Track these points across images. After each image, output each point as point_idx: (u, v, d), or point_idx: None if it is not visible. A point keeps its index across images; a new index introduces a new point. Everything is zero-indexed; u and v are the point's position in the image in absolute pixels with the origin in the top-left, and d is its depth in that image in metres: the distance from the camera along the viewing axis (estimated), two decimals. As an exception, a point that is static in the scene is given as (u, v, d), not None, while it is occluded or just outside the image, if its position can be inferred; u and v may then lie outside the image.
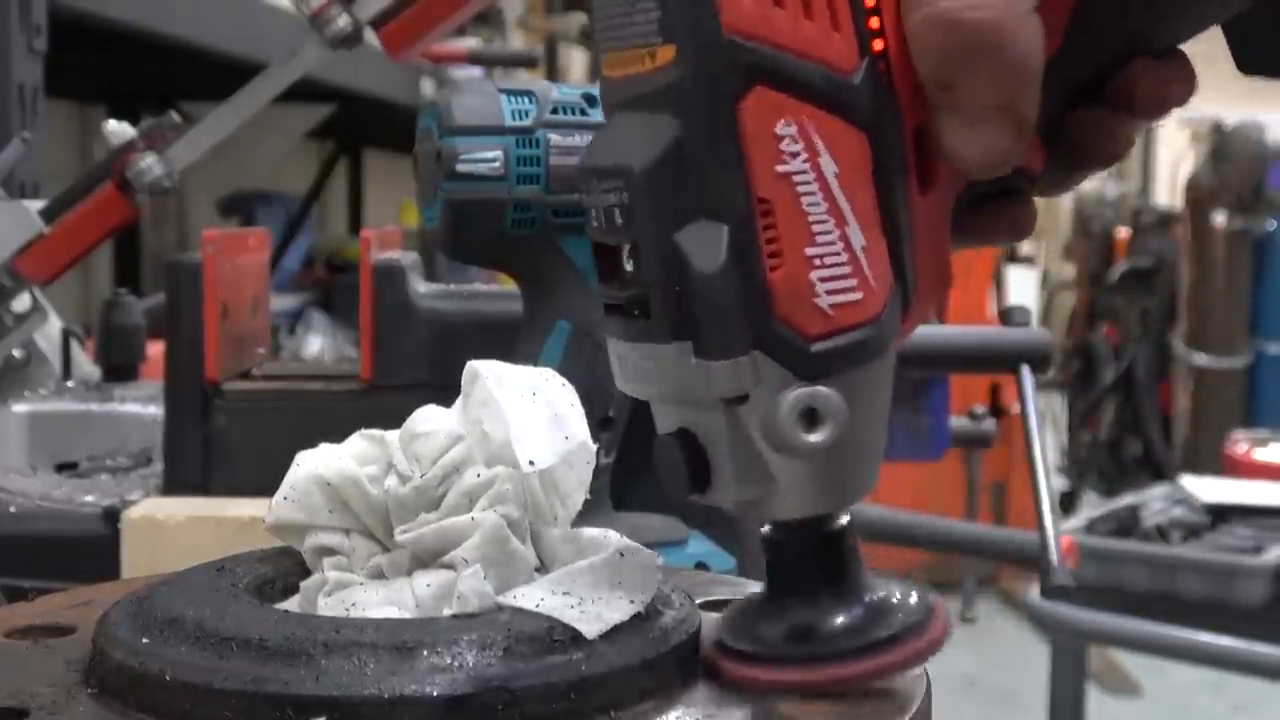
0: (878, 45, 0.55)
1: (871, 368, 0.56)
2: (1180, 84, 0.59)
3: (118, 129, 1.63)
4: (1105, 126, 0.59)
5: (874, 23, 0.54)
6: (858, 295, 0.55)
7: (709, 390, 0.55)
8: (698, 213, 0.53)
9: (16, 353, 1.67)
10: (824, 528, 0.58)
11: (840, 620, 0.58)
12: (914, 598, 0.59)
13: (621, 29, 0.55)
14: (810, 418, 0.55)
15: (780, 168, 0.53)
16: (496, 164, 0.98)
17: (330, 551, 0.66)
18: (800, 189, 0.53)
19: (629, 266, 0.55)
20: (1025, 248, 8.81)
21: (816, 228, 0.54)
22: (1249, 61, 0.59)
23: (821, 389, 0.54)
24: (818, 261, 0.54)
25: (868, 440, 0.57)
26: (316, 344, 3.41)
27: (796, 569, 0.59)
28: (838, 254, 0.54)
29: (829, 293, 0.54)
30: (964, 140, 0.56)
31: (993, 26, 0.54)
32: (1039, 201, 0.62)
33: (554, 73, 5.96)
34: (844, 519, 0.59)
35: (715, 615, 0.69)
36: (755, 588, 0.75)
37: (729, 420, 0.55)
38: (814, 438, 0.55)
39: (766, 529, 0.59)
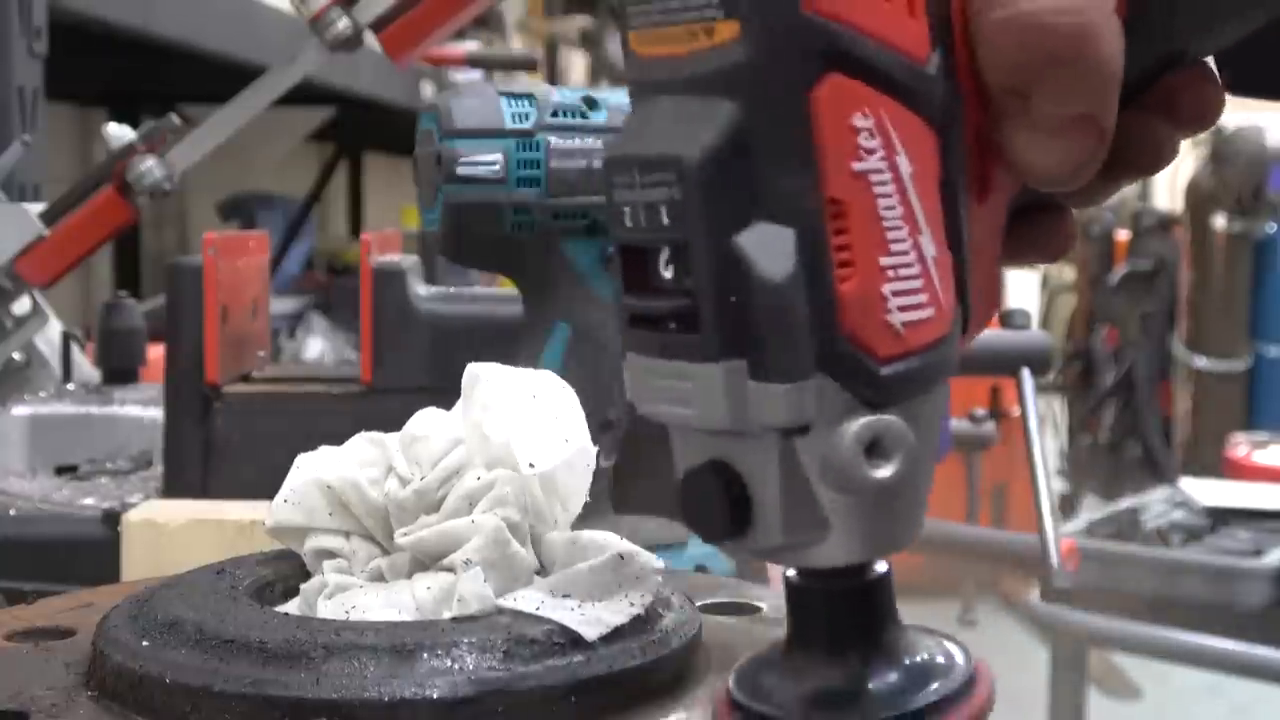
0: (947, 34, 0.49)
1: (934, 394, 0.50)
2: (1219, 95, 0.56)
3: (118, 132, 1.64)
4: (1147, 133, 0.55)
5: (944, 9, 0.49)
6: (929, 312, 0.48)
7: (765, 418, 0.47)
8: (760, 213, 0.47)
9: (16, 355, 1.67)
10: (864, 576, 0.51)
11: (875, 685, 0.51)
12: (958, 658, 0.52)
13: (668, 1, 0.48)
14: (874, 450, 0.48)
15: (856, 165, 0.47)
16: (496, 167, 0.98)
17: (330, 554, 0.67)
18: (877, 190, 0.47)
19: (667, 273, 0.48)
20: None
21: (891, 234, 0.47)
22: (1243, 82, 0.57)
23: (888, 417, 0.48)
24: (891, 273, 0.47)
25: (926, 476, 0.50)
26: (316, 347, 3.41)
27: (828, 622, 0.52)
28: (911, 265, 0.48)
29: (901, 309, 0.48)
30: (1039, 151, 0.50)
31: (1081, 32, 0.48)
32: None
33: (554, 76, 5.96)
34: (883, 566, 0.52)
35: (716, 617, 0.69)
36: (756, 591, 0.75)
37: (783, 454, 0.48)
38: (880, 473, 0.48)
39: (792, 574, 0.52)
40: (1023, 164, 0.51)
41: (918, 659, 0.52)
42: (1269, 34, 0.54)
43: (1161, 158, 0.55)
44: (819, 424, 0.48)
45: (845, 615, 0.52)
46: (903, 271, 0.48)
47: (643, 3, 0.49)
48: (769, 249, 0.47)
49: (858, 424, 0.47)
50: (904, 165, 0.48)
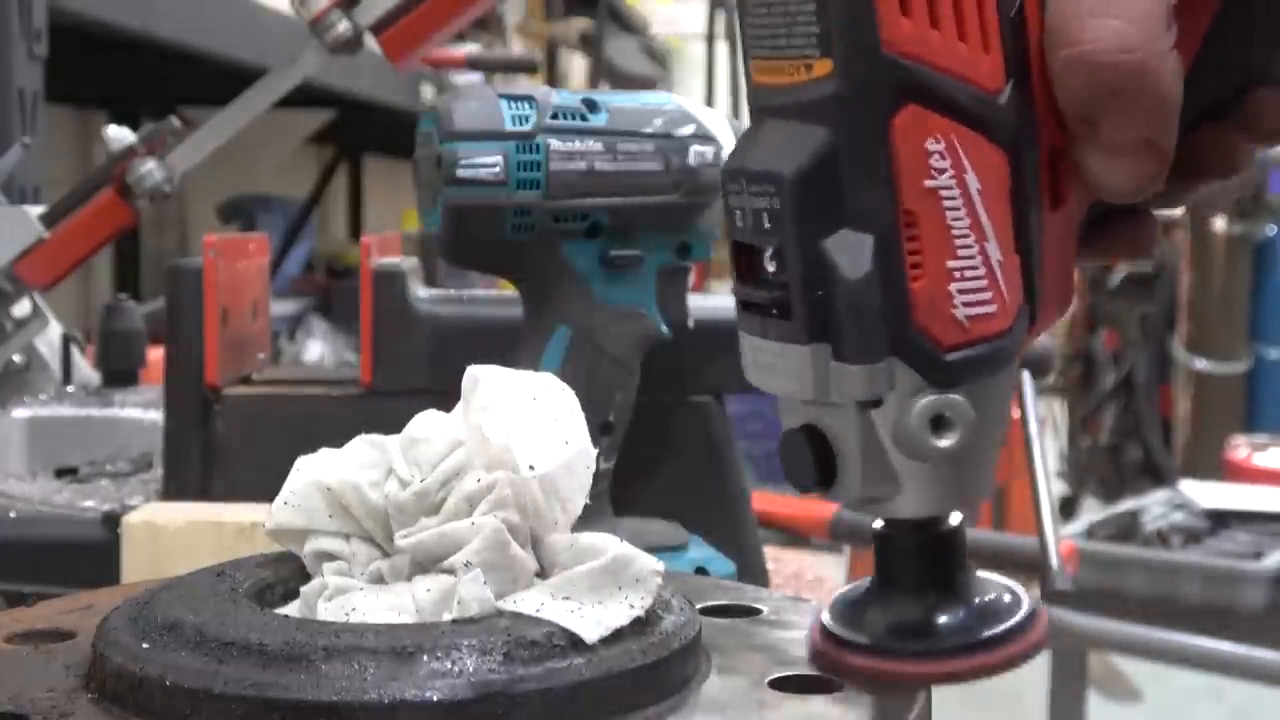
0: (1023, 68, 0.56)
1: (999, 378, 0.58)
2: None
3: (118, 134, 1.64)
4: (1225, 144, 0.61)
5: (1021, 46, 0.56)
6: (992, 309, 0.56)
7: (844, 393, 0.56)
8: (844, 221, 0.55)
9: (16, 358, 1.67)
10: (937, 528, 0.60)
11: (945, 619, 0.59)
12: (1021, 600, 0.61)
13: (777, 39, 0.57)
14: (939, 423, 0.56)
15: (928, 183, 0.55)
16: (496, 169, 0.98)
17: (330, 556, 0.67)
18: (946, 204, 0.55)
19: (770, 268, 0.57)
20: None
21: (958, 242, 0.56)
22: None
23: (952, 396, 0.56)
24: (957, 274, 0.56)
25: (988, 447, 0.59)
26: (316, 349, 3.40)
27: (908, 566, 0.60)
28: (976, 268, 0.56)
29: (966, 304, 0.56)
30: (1107, 170, 0.57)
31: (1137, 68, 0.55)
32: None
33: (554, 78, 5.96)
34: (956, 520, 0.60)
35: (716, 620, 0.69)
36: (756, 593, 0.76)
37: (860, 422, 0.57)
38: (942, 443, 0.57)
39: (878, 524, 0.61)
40: (1095, 181, 0.58)
41: (985, 599, 0.60)
42: None
43: (1237, 166, 0.61)
44: (891, 399, 0.56)
45: (923, 560, 0.60)
46: (968, 273, 0.56)
47: (760, 39, 0.58)
48: (850, 252, 0.55)
49: (925, 401, 0.56)
50: (972, 183, 0.55)
